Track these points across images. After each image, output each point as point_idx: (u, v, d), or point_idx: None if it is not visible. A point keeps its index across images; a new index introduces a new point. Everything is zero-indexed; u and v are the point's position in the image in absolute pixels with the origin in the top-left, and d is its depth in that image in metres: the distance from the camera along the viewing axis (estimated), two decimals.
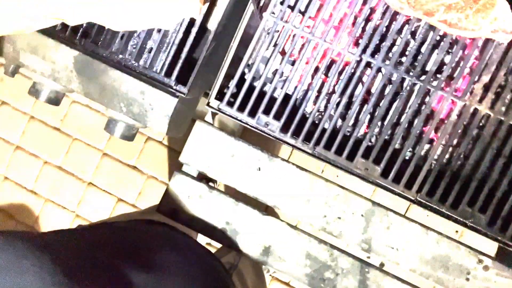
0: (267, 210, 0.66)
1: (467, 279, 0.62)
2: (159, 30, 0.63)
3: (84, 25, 0.65)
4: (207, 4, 0.62)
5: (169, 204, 0.67)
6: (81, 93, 0.68)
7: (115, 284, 0.39)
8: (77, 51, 0.67)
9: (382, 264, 0.68)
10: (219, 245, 0.74)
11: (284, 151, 1.41)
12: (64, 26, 0.65)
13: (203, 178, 0.71)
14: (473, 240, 0.65)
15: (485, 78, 0.60)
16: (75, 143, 1.53)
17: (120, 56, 0.63)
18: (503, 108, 0.59)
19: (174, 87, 0.64)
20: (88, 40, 0.64)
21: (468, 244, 0.63)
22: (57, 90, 0.71)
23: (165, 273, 0.47)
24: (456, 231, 1.36)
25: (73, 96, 1.52)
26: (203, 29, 0.65)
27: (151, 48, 0.63)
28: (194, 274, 0.51)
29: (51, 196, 1.54)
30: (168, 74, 0.63)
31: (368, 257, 0.66)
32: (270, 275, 1.44)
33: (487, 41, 0.60)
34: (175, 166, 1.48)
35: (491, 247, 0.65)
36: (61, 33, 0.66)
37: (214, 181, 1.21)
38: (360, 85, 0.65)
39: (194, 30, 0.62)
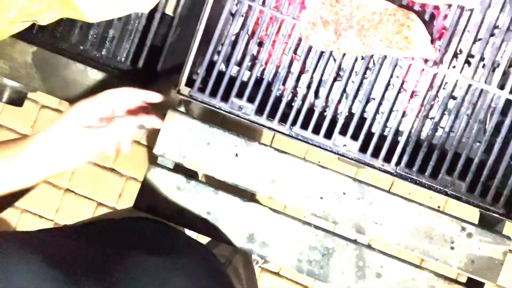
0: (252, 198, 0.64)
1: (452, 248, 0.62)
2: (119, 18, 0.60)
3: None
4: (160, 6, 0.60)
5: (146, 200, 0.64)
6: (43, 91, 0.65)
7: (105, 281, 0.37)
8: (36, 46, 0.63)
9: (369, 245, 0.67)
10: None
11: (266, 137, 1.40)
12: None
13: (181, 170, 0.69)
14: (455, 213, 0.65)
15: (454, 46, 0.59)
16: None
17: (81, 47, 0.60)
18: (473, 74, 0.59)
19: (141, 76, 0.61)
20: (45, 33, 0.61)
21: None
22: (18, 90, 0.68)
23: (164, 270, 0.45)
24: (438, 207, 1.38)
25: (42, 100, 1.47)
26: (166, 14, 0.63)
27: (113, 37, 0.61)
28: (195, 270, 0.50)
29: (27, 206, 1.48)
30: (134, 62, 0.60)
31: (355, 238, 0.65)
32: (260, 266, 1.43)
33: (453, 8, 0.60)
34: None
35: (473, 218, 0.66)
36: None
37: (195, 173, 1.19)
38: (331, 61, 0.63)
39: (157, 15, 0.60)
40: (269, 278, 1.43)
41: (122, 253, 0.44)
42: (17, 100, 0.69)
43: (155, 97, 0.50)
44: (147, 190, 0.64)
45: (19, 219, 1.48)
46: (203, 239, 0.69)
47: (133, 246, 0.47)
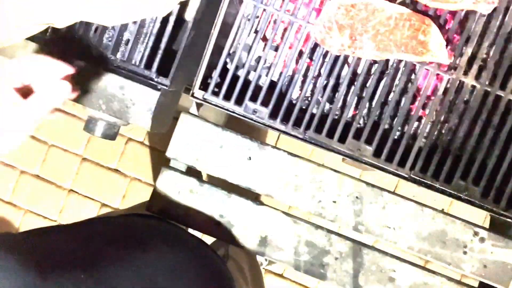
0: (257, 198, 0.64)
1: (465, 253, 0.63)
2: (134, 21, 0.60)
3: None
4: (176, 10, 0.60)
5: (159, 202, 0.64)
6: None
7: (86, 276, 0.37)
8: (48, 49, 0.63)
9: (382, 249, 0.67)
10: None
11: (270, 138, 1.40)
12: None
13: (193, 173, 0.69)
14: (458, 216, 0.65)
15: (469, 51, 0.60)
16: (51, 149, 1.47)
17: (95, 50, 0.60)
18: (488, 79, 0.60)
19: (156, 80, 0.61)
20: (59, 35, 0.61)
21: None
22: None
23: (157, 267, 0.45)
24: (442, 209, 1.39)
25: None
26: (181, 17, 0.63)
27: (128, 40, 0.60)
28: (188, 265, 0.49)
29: (31, 206, 1.47)
30: (148, 66, 0.60)
31: (368, 242, 0.65)
32: (264, 268, 1.43)
33: (468, 14, 0.60)
34: (158, 166, 1.44)
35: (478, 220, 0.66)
36: None
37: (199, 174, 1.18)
38: (346, 66, 0.63)
39: (172, 19, 0.60)
40: (273, 280, 1.43)
41: (107, 249, 0.43)
42: None
43: (66, 69, 0.46)
44: (159, 193, 0.64)
45: (22, 220, 1.48)
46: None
47: (120, 242, 0.47)
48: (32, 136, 1.47)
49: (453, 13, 0.61)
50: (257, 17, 0.64)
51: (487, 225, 0.66)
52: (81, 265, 0.39)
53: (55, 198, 1.47)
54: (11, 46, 0.63)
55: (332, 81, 0.60)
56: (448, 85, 0.60)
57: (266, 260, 1.41)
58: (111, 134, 0.67)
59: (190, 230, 0.66)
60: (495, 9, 0.58)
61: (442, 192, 0.60)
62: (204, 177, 1.21)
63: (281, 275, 1.44)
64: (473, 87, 0.60)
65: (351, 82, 0.63)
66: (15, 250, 0.35)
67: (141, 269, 0.43)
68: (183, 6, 0.63)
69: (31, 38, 0.61)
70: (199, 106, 0.68)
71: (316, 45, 0.62)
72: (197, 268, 0.50)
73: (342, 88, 0.61)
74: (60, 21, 0.55)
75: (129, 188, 1.46)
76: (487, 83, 0.59)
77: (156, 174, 1.44)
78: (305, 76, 0.63)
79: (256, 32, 0.63)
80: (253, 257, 1.01)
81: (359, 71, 0.62)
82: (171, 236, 0.56)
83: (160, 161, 1.44)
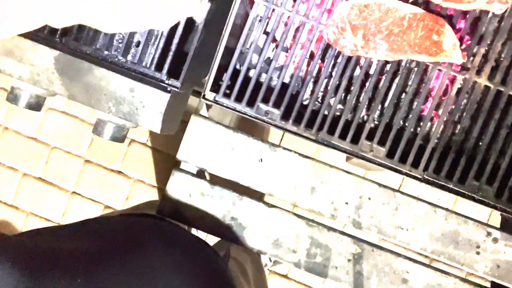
0: (268, 200, 0.64)
1: (478, 253, 0.62)
2: None
3: None
4: (205, 1, 0.59)
5: (170, 205, 0.64)
6: (65, 95, 0.64)
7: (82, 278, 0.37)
8: (58, 51, 0.62)
9: (395, 251, 0.67)
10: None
11: (274, 137, 1.39)
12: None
13: (204, 176, 0.69)
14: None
15: (482, 51, 0.59)
16: (54, 151, 1.46)
17: (106, 52, 0.59)
18: (502, 79, 0.59)
19: (166, 82, 0.60)
20: (69, 38, 0.60)
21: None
22: (38, 94, 0.67)
23: (152, 267, 0.44)
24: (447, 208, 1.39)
25: (48, 103, 1.45)
26: (192, 19, 0.62)
27: (139, 42, 0.60)
28: (187, 264, 0.49)
29: (33, 209, 1.47)
30: (159, 68, 0.60)
31: (381, 243, 0.65)
32: (268, 269, 1.42)
33: (481, 13, 0.59)
34: (162, 167, 1.44)
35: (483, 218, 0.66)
36: (38, 33, 0.61)
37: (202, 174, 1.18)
38: (357, 67, 0.63)
39: (182, 21, 0.59)
40: (277, 281, 1.43)
41: (102, 248, 0.43)
42: (35, 105, 0.68)
43: None
44: (170, 196, 0.64)
45: (25, 222, 1.47)
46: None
47: (116, 242, 0.46)
48: (34, 138, 1.46)
49: (465, 13, 0.60)
50: (268, 18, 0.63)
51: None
52: (75, 266, 0.38)
53: (58, 200, 1.46)
54: (21, 49, 0.63)
55: (344, 82, 0.60)
56: (461, 86, 0.60)
57: (270, 260, 1.41)
58: (120, 137, 0.67)
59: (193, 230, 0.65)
60: (507, 9, 0.58)
61: (456, 193, 0.60)
62: (207, 177, 1.20)
63: (285, 276, 1.43)
64: (486, 87, 0.59)
65: (363, 83, 0.62)
66: (8, 251, 0.35)
67: (138, 269, 0.43)
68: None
69: (28, 35, 0.61)
70: (208, 107, 0.67)
71: (328, 46, 0.62)
72: (197, 267, 0.50)
73: (355, 89, 0.61)
74: (57, 22, 0.54)
75: (133, 190, 1.46)
76: (500, 83, 0.59)
77: (159, 175, 1.43)
78: (317, 77, 0.62)
79: (267, 33, 0.63)
80: (256, 258, 1.00)
81: (371, 72, 0.61)
82: (170, 236, 0.55)
83: (163, 163, 1.44)
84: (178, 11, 0.56)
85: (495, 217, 0.67)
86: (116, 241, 0.47)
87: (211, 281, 0.50)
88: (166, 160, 1.43)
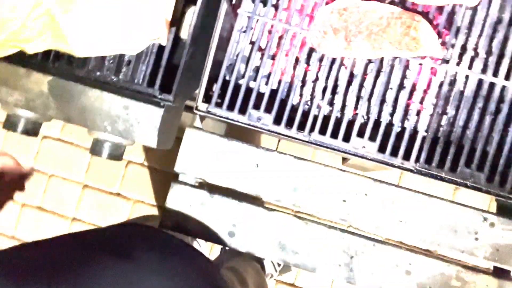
0: (268, 204, 0.65)
1: (476, 239, 0.64)
2: None
3: None
4: (173, 29, 0.62)
5: (172, 218, 0.65)
6: (61, 119, 0.66)
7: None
8: (51, 76, 0.64)
9: (396, 244, 0.68)
10: None
11: (268, 142, 1.40)
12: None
13: (202, 186, 0.70)
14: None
15: (459, 43, 0.62)
16: (52, 179, 1.46)
17: (98, 73, 0.61)
18: (482, 69, 0.62)
19: (159, 96, 0.62)
20: (62, 62, 0.62)
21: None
22: (34, 120, 0.68)
23: (143, 275, 0.45)
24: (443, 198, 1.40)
25: (43, 131, 1.46)
26: (178, 35, 0.64)
27: (129, 61, 0.62)
28: (176, 271, 0.49)
29: (34, 238, 1.46)
30: (151, 84, 0.61)
31: (381, 238, 0.66)
32: (275, 279, 1.42)
33: (455, 7, 0.62)
34: (160, 186, 1.44)
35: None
36: (31, 60, 0.63)
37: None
38: (342, 68, 0.65)
39: (171, 36, 0.61)
40: None
41: (90, 258, 0.43)
42: (32, 130, 0.69)
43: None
44: (171, 208, 0.65)
45: None
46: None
47: (103, 250, 0.47)
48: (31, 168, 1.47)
49: (440, 8, 0.63)
50: (253, 28, 0.65)
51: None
52: (63, 276, 0.39)
53: (59, 228, 1.45)
54: (15, 76, 0.64)
55: (330, 84, 0.62)
56: (443, 77, 0.62)
57: (276, 270, 1.40)
58: (117, 155, 0.68)
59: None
60: (480, 1, 0.60)
61: (449, 181, 0.61)
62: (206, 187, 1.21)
63: (292, 285, 1.43)
64: (467, 76, 0.62)
65: (349, 83, 0.65)
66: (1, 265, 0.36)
67: (126, 277, 0.43)
68: (178, 25, 0.65)
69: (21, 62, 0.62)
70: (202, 119, 0.69)
71: (312, 50, 0.64)
72: (187, 274, 0.50)
73: (341, 89, 0.63)
74: (32, 46, 0.56)
75: (133, 211, 1.46)
76: (480, 72, 0.61)
77: (158, 194, 1.44)
78: (303, 80, 0.64)
79: (252, 43, 0.65)
80: (257, 269, 1.00)
81: (355, 71, 0.63)
82: (159, 243, 0.56)
83: (161, 181, 1.44)
84: (144, 36, 0.58)
85: (494, 208, 0.69)
86: (102, 250, 0.47)
87: (198, 282, 0.50)
88: (164, 178, 1.43)
